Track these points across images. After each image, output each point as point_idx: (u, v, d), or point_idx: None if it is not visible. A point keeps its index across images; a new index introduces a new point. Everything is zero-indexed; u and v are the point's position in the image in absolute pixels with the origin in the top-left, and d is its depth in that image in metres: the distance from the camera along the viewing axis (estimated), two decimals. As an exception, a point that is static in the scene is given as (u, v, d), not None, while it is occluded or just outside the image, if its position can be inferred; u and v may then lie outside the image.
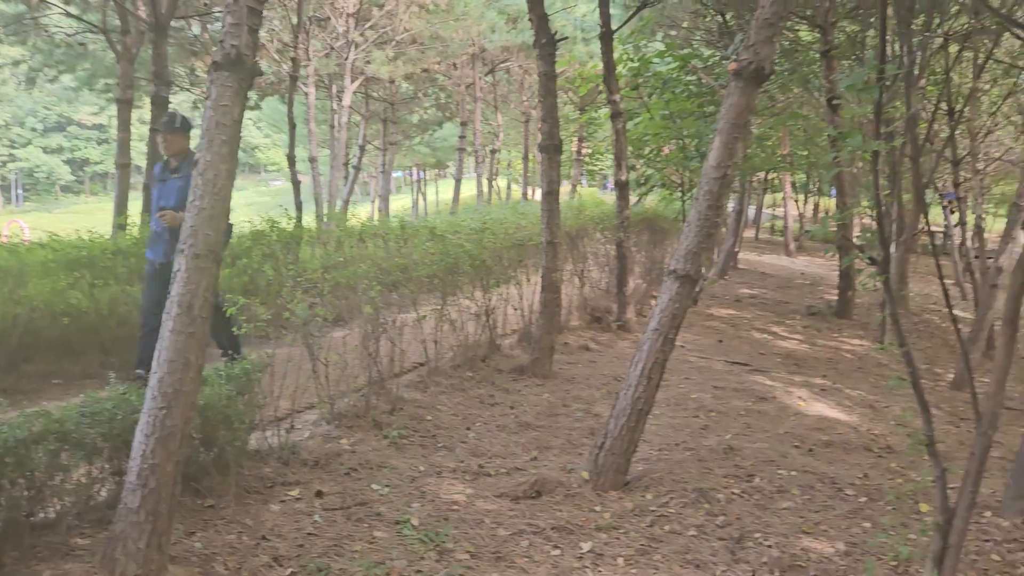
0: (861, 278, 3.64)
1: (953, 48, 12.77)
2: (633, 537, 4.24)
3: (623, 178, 9.16)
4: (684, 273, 4.74)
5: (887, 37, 11.49)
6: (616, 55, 11.94)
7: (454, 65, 24.90)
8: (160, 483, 3.10)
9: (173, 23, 14.19)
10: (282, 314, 5.32)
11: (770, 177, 26.67)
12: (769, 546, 4.29)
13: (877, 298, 12.77)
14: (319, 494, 4.32)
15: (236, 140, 3.28)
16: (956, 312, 13.43)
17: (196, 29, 18.38)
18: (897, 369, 8.22)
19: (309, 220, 14.90)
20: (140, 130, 32.01)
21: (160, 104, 9.29)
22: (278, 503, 4.14)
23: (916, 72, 12.83)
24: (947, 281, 17.50)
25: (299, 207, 13.91)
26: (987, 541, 4.75)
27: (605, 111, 12.37)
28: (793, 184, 30.46)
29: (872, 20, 12.79)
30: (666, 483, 5.03)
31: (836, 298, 13.12)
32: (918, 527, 4.52)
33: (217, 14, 14.64)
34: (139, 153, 38.21)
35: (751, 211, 31.01)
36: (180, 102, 21.38)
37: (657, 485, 5.00)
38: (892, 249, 14.02)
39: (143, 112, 13.95)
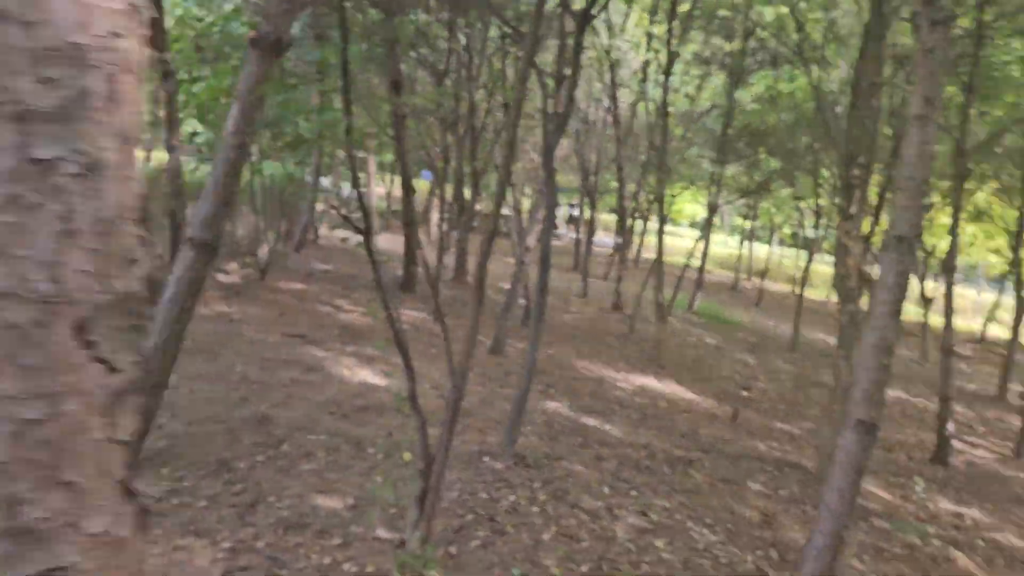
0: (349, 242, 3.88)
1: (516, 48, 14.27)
2: (135, 515, 4.06)
3: (175, 143, 8.65)
4: (202, 240, 4.63)
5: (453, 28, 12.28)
6: (181, 11, 11.25)
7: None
8: None
9: None
10: None
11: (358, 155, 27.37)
12: (281, 507, 4.42)
13: (440, 274, 13.86)
14: None
15: None
16: (506, 286, 14.46)
17: None
18: (453, 339, 9.07)
19: None
20: None
21: None
22: None
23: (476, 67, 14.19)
24: (509, 260, 19.35)
25: None
26: (481, 482, 5.45)
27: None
28: (381, 164, 31.71)
29: (441, 12, 13.79)
30: (188, 457, 4.91)
31: (402, 273, 13.96)
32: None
33: None
34: None
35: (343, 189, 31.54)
36: None
37: (177, 460, 4.86)
38: (446, 227, 15.10)
39: None
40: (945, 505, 7.56)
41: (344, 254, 17.24)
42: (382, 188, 32.18)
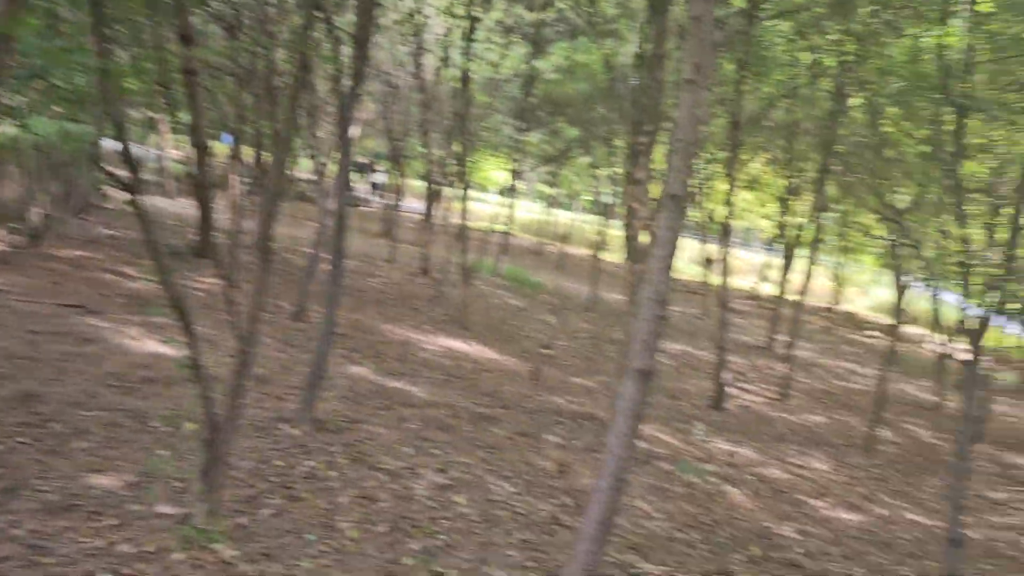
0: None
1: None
2: None
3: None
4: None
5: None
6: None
7: None
8: None
9: None
10: None
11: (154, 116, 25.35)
12: (47, 491, 4.06)
13: (238, 239, 13.20)
14: None
15: None
16: (308, 250, 14.07)
17: None
18: (244, 306, 8.63)
19: None
20: None
21: None
22: None
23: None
24: (314, 224, 18.87)
25: None
26: (276, 449, 5.30)
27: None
28: (176, 126, 29.57)
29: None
30: (-68, 443, 4.39)
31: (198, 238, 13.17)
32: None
33: None
34: None
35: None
36: None
37: (-79, 446, 4.33)
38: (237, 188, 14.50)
39: None
40: (721, 446, 8.29)
41: (133, 219, 16.02)
42: (179, 151, 30.03)
